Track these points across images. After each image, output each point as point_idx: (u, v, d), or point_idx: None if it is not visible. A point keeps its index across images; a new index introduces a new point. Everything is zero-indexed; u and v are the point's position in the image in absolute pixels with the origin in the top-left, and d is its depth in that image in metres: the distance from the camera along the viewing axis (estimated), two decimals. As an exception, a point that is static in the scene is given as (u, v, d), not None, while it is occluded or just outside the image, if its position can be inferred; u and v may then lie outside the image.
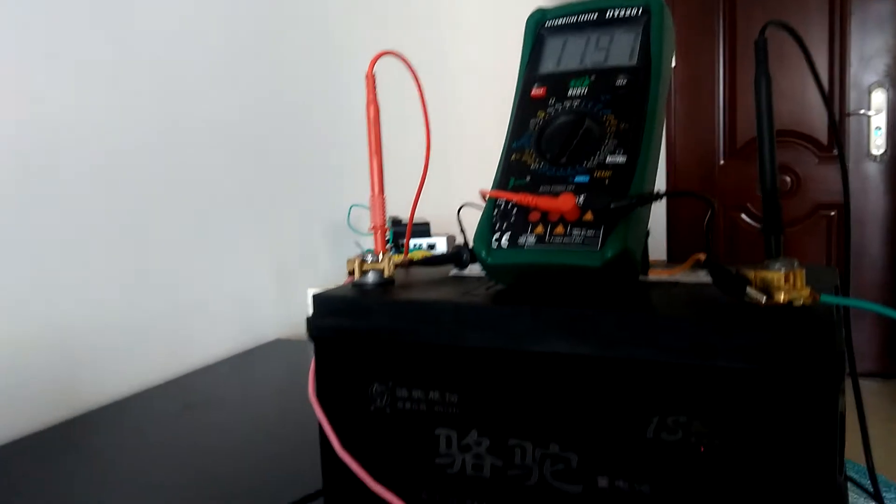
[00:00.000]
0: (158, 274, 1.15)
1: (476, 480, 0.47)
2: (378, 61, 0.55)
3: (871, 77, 2.83)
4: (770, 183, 0.41)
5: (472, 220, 0.53)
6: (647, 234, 0.50)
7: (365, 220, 1.46)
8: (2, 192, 0.91)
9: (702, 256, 0.45)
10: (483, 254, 0.48)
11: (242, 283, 1.34)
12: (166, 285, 1.17)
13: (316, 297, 0.52)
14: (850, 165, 2.86)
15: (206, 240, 1.25)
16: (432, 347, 0.48)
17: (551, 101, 0.51)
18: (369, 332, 0.50)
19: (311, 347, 0.53)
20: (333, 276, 1.51)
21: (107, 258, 1.06)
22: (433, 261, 0.58)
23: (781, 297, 0.40)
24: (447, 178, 1.90)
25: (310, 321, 0.52)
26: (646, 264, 0.51)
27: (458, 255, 0.55)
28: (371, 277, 0.53)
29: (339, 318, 0.51)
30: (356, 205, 1.47)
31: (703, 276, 0.49)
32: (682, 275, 0.51)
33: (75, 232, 1.01)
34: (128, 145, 1.09)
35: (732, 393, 0.40)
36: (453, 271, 0.57)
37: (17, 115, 0.93)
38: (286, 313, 1.44)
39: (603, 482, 0.44)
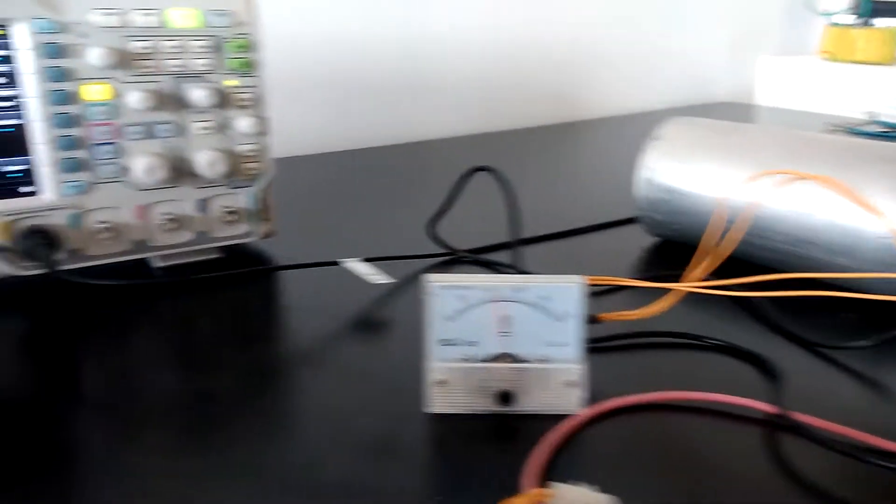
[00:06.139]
0: (634, 19, 1.25)
1: None
2: None
3: None
4: None
5: None
6: None
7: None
8: None
9: None
10: None
11: (697, 43, 1.38)
12: (639, 31, 1.26)
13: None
14: None
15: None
16: None
17: None
18: None
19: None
20: (784, 48, 1.47)
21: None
22: None
23: None
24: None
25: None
26: None
27: None
28: None
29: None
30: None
31: None
32: None
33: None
34: None
35: None
36: None
37: None
38: (735, 79, 1.46)
39: None
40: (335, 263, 0.45)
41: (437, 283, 0.32)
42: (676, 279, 0.45)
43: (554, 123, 1.13)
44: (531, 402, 0.32)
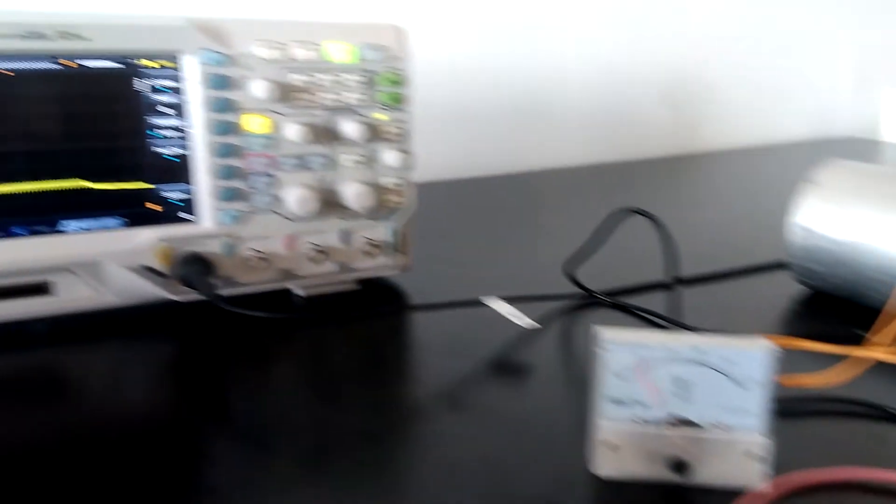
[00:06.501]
0: (754, 48, 1.21)
1: None
2: None
3: None
4: None
5: None
6: None
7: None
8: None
9: None
10: None
11: (820, 75, 1.32)
12: (759, 61, 1.22)
13: None
14: None
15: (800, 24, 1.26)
16: None
17: None
18: None
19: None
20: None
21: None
22: None
23: None
24: None
25: None
26: None
27: None
28: None
29: None
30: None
31: None
32: None
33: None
34: None
35: None
36: None
37: None
38: (859, 113, 1.39)
39: None
40: (479, 303, 0.44)
41: (611, 339, 0.30)
42: (854, 341, 0.42)
43: (670, 155, 1.10)
44: (707, 473, 0.30)
